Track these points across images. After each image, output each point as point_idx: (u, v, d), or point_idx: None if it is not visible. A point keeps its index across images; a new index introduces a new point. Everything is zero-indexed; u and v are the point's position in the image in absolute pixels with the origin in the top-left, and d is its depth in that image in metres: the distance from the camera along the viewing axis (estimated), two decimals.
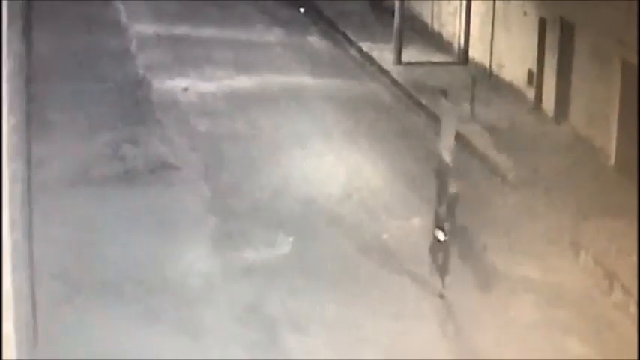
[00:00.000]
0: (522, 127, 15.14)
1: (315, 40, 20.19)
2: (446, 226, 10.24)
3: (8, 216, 4.04)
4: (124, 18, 20.83)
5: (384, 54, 18.51)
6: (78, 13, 20.46)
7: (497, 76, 17.11)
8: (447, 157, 10.49)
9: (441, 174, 10.47)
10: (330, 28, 20.83)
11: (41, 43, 17.47)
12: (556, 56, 15.23)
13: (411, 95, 16.80)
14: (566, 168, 13.46)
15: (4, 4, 3.92)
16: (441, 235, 10.28)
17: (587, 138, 14.25)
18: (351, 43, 19.67)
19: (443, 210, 10.34)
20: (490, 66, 17.39)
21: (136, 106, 16.02)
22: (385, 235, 11.62)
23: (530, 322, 9.87)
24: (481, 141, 14.56)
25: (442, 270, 10.30)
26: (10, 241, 4.06)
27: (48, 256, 10.02)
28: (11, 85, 3.94)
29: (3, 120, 4.03)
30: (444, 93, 11.19)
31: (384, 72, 17.93)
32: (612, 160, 13.54)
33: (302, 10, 21.75)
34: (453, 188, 10.42)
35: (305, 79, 17.71)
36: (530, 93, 16.00)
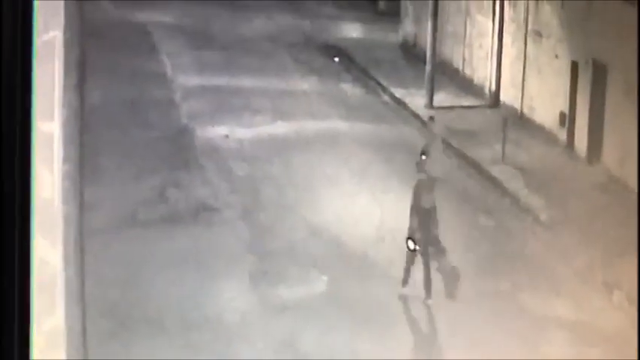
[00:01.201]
0: (554, 168, 14.94)
1: (348, 87, 20.28)
2: (417, 236, 10.87)
3: (62, 256, 4.05)
4: (169, 70, 21.07)
5: (415, 99, 18.50)
6: (128, 66, 20.74)
7: (528, 119, 16.97)
8: (423, 176, 11.45)
9: (417, 190, 11.15)
10: (362, 75, 20.91)
11: (94, 94, 17.68)
12: (588, 98, 15.08)
13: (442, 138, 16.72)
14: (599, 207, 13.24)
15: (61, 57, 3.97)
16: (411, 245, 10.91)
17: (620, 178, 14.04)
18: (384, 88, 19.71)
19: (415, 222, 10.94)
20: (521, 108, 17.27)
21: (180, 152, 16.14)
22: (417, 274, 11.50)
23: (562, 358, 9.63)
24: (513, 182, 14.39)
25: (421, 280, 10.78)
26: (64, 280, 4.06)
27: (98, 294, 10.05)
28: (65, 134, 3.98)
29: (57, 166, 4.06)
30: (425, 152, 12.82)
31: (416, 116, 17.88)
32: None
33: (336, 59, 21.88)
34: (427, 204, 11.02)
35: (339, 124, 17.75)
36: (562, 134, 15.81)
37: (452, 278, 10.91)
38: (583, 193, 13.78)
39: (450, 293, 10.82)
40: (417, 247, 10.74)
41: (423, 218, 10.86)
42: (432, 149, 13.63)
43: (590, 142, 15.04)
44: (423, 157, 13.33)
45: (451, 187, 14.32)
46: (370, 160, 15.76)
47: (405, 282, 10.92)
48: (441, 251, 11.00)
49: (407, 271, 10.89)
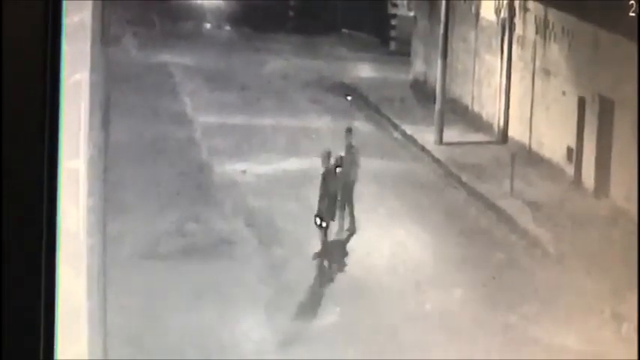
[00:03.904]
0: (562, 202, 14.89)
1: (360, 124, 20.36)
2: (326, 216, 12.84)
3: (86, 286, 4.10)
4: (189, 109, 21.26)
5: (425, 135, 18.52)
6: (150, 106, 20.95)
7: (536, 154, 16.95)
8: (330, 167, 13.74)
9: (326, 177, 13.33)
10: (374, 112, 21.00)
11: (118, 133, 17.84)
12: (595, 133, 15.06)
13: (451, 173, 16.72)
14: (607, 241, 13.17)
15: (87, 98, 4.06)
16: (318, 221, 12.73)
17: (627, 212, 13.96)
18: (395, 126, 19.77)
19: (324, 205, 12.87)
20: (530, 144, 17.26)
21: (200, 187, 16.25)
22: (428, 306, 11.47)
23: None
24: (522, 216, 14.33)
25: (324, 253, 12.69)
26: (87, 309, 4.11)
27: (119, 323, 10.07)
28: (90, 170, 4.05)
29: (83, 201, 4.13)
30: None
31: (426, 152, 17.89)
32: None
33: (349, 97, 22.00)
34: (334, 188, 13.21)
35: None
36: (570, 169, 15.77)
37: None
38: (591, 226, 13.73)
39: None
40: (324, 224, 12.56)
41: (330, 201, 12.96)
42: (347, 156, 14.95)
43: (597, 176, 15.01)
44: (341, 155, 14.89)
45: (460, 220, 14.31)
46: (381, 194, 15.80)
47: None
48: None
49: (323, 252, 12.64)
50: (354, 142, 15.46)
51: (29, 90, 3.35)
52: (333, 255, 12.59)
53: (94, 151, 4.12)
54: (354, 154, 15.18)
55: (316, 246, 13.51)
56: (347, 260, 12.61)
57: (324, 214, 12.86)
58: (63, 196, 3.53)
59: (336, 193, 13.39)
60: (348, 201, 14.05)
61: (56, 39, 3.36)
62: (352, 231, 13.78)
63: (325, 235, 12.97)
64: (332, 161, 14.18)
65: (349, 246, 13.81)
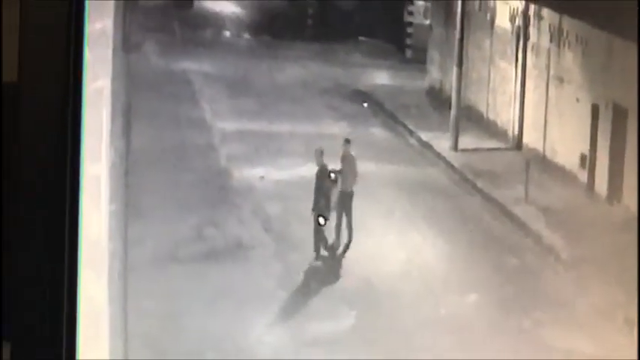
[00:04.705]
0: (576, 208, 14.78)
1: (377, 131, 20.32)
2: (325, 214, 13.17)
3: (107, 290, 4.09)
4: (208, 116, 21.29)
5: (441, 142, 18.45)
6: (170, 112, 21.00)
7: (550, 160, 16.85)
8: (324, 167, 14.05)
9: (319, 177, 13.74)
10: (390, 119, 20.95)
11: (138, 139, 17.89)
12: (609, 140, 14.95)
13: (466, 179, 16.64)
14: (620, 246, 13.05)
15: (108, 104, 4.05)
16: (321, 220, 12.99)
17: None
18: (411, 132, 19.71)
19: (323, 203, 13.23)
20: (544, 150, 17.15)
21: (218, 192, 16.26)
22: (443, 310, 11.41)
23: None
24: (536, 221, 14.25)
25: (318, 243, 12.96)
26: (108, 313, 4.09)
27: (139, 326, 10.07)
28: (112, 176, 4.04)
29: (104, 206, 4.11)
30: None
31: (442, 158, 17.82)
32: None
33: (365, 104, 21.96)
34: (328, 188, 13.55)
35: (368, 166, 17.77)
36: (583, 176, 15.66)
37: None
38: (604, 232, 13.62)
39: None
40: (324, 222, 12.95)
41: (325, 201, 13.33)
42: (345, 166, 15.02)
43: (610, 182, 14.90)
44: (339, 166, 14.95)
45: (475, 226, 14.24)
46: (397, 200, 15.75)
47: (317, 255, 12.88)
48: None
49: (317, 244, 12.88)
50: (352, 153, 15.43)
51: (52, 96, 3.35)
52: (334, 259, 12.67)
53: (115, 156, 4.11)
54: (352, 164, 15.11)
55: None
56: (342, 272, 12.61)
57: (324, 212, 13.03)
58: (85, 201, 3.53)
59: (329, 193, 13.56)
60: (346, 212, 13.98)
61: (78, 46, 3.36)
62: (350, 240, 13.69)
63: (321, 236, 13.06)
64: (324, 160, 14.37)
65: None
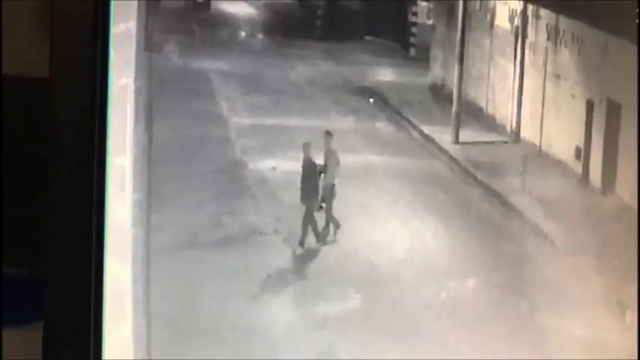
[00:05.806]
0: (570, 199, 14.79)
1: (381, 125, 20.34)
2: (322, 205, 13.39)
3: (131, 273, 4.16)
4: (225, 112, 21.35)
5: (443, 135, 18.46)
6: (190, 109, 21.07)
7: (546, 153, 16.84)
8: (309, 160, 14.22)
9: (305, 168, 13.99)
10: (395, 114, 20.94)
11: (160, 133, 17.97)
12: (603, 133, 14.94)
13: (467, 171, 16.64)
14: (613, 235, 13.07)
15: (132, 101, 4.12)
16: (322, 204, 13.29)
17: (632, 208, 13.83)
18: (414, 126, 19.72)
19: (311, 193, 13.58)
20: (540, 144, 17.14)
21: (234, 183, 16.35)
22: (443, 294, 11.47)
23: None
24: (532, 211, 14.25)
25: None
26: (132, 294, 4.17)
27: (161, 306, 10.18)
28: (136, 167, 4.11)
29: (128, 195, 4.19)
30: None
31: (443, 151, 17.83)
32: None
33: (371, 100, 21.96)
34: (314, 177, 13.78)
35: (372, 158, 17.82)
36: (578, 168, 15.66)
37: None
38: (598, 221, 13.64)
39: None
40: (324, 205, 13.50)
41: (313, 189, 13.63)
42: (330, 158, 15.04)
43: (604, 174, 14.91)
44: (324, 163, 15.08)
45: (475, 215, 14.26)
46: (400, 190, 15.80)
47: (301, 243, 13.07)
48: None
49: (305, 232, 13.20)
50: (333, 147, 15.41)
51: (80, 93, 3.42)
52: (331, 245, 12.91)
53: (138, 149, 4.18)
54: (334, 157, 15.15)
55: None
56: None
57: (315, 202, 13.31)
58: (110, 190, 3.60)
59: (317, 183, 13.95)
60: (327, 202, 14.23)
61: (104, 46, 3.42)
62: (337, 228, 13.77)
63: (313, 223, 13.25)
64: (311, 151, 14.58)
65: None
